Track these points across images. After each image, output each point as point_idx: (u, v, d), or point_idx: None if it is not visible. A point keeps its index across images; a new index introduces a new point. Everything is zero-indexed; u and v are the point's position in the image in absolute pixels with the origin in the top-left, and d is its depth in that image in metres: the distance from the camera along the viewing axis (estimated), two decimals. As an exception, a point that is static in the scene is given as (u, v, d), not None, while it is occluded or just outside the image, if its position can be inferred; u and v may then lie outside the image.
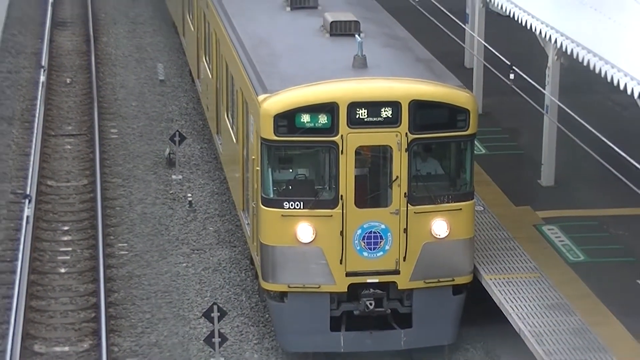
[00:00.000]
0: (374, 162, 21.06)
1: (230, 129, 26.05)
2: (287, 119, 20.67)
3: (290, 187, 21.24)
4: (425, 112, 20.77)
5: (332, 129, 20.63)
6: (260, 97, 21.14)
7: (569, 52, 22.42)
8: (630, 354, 19.52)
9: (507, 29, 29.64)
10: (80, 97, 37.16)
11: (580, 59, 21.75)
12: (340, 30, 23.47)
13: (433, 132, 20.95)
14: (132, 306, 23.99)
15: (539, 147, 26.59)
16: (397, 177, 20.78)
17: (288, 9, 26.14)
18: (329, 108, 20.59)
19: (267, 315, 22.87)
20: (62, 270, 25.73)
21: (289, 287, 21.11)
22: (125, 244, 26.84)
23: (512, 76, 22.42)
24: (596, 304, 21.26)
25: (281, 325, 21.56)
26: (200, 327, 22.74)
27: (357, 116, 20.59)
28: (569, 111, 20.86)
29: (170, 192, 29.68)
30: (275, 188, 21.15)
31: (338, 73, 21.32)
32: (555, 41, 23.10)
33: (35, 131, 32.46)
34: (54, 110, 35.77)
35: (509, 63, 22.59)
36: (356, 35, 22.43)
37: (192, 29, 34.61)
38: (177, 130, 31.84)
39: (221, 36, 27.27)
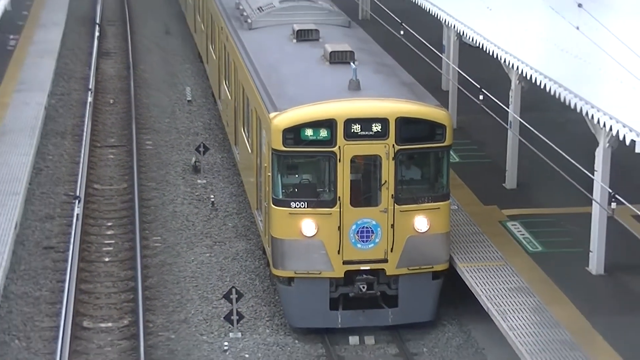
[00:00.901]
0: (366, 169, 21.09)
1: (246, 141, 26.04)
2: (293, 133, 20.75)
3: (296, 190, 21.32)
4: (409, 127, 20.84)
5: (331, 141, 20.68)
6: (272, 115, 21.21)
7: (528, 77, 22.43)
8: (579, 329, 19.60)
9: (477, 57, 29.63)
10: (121, 115, 37.20)
11: (538, 83, 21.76)
12: (338, 58, 23.42)
13: (415, 143, 21.02)
14: (164, 289, 24.03)
15: (503, 156, 26.59)
16: (386, 181, 20.83)
17: (294, 41, 26.04)
18: (329, 123, 20.65)
19: (276, 297, 22.88)
20: (106, 259, 25.78)
21: (295, 273, 21.23)
22: (159, 237, 26.86)
23: (481, 97, 22.43)
24: (551, 287, 21.33)
25: (288, 305, 21.65)
26: (221, 307, 22.75)
27: (352, 130, 20.65)
28: (528, 126, 20.88)
29: (196, 194, 29.69)
30: (283, 190, 21.22)
31: (336, 94, 21.36)
32: (517, 68, 23.11)
33: (83, 143, 32.50)
34: (99, 125, 35.82)
35: (478, 86, 22.61)
36: (351, 63, 22.41)
37: (214, 58, 34.63)
38: (202, 142, 31.91)
39: (239, 64, 27.27)
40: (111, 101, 38.88)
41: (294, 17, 27.79)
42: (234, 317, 21.91)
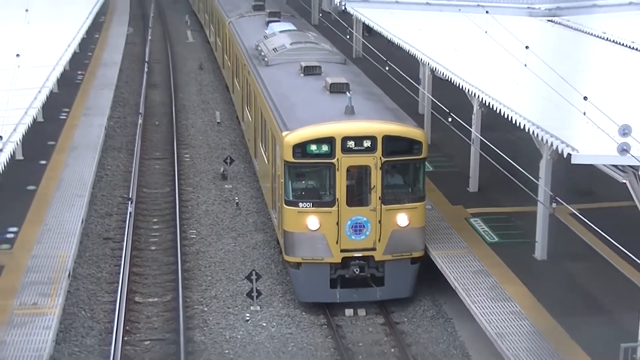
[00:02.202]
0: (359, 176, 21.04)
1: (264, 155, 26.02)
2: (301, 148, 20.78)
3: (303, 193, 21.29)
4: (393, 143, 20.84)
5: (331, 154, 20.68)
6: (284, 133, 21.30)
7: (487, 103, 22.44)
8: (527, 303, 19.68)
9: (446, 88, 29.62)
10: (165, 134, 37.23)
11: (494, 108, 21.77)
12: (337, 89, 23.33)
13: (398, 156, 20.99)
14: (198, 272, 24.04)
15: (467, 166, 26.59)
16: (374, 186, 20.87)
17: (302, 75, 25.96)
18: (329, 140, 20.68)
19: (287, 278, 22.85)
20: (153, 248, 25.81)
21: (302, 259, 21.22)
22: (195, 231, 26.86)
23: (450, 119, 22.49)
24: (505, 269, 21.38)
25: (297, 284, 21.74)
26: (243, 286, 22.76)
27: (348, 146, 20.66)
28: (487, 142, 20.95)
29: (224, 196, 29.68)
30: (293, 193, 21.21)
31: (335, 117, 21.42)
32: (478, 96, 23.09)
33: (135, 156, 32.59)
34: (147, 142, 35.86)
35: (447, 111, 22.66)
36: (347, 92, 22.46)
37: (239, 88, 34.62)
38: (229, 155, 31.96)
39: (258, 93, 27.27)
40: (157, 123, 38.90)
41: (302, 56, 27.73)
42: (254, 294, 21.98)
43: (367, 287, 21.46)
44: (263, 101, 25.76)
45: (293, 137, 20.99)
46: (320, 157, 20.82)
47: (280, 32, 31.74)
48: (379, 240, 21.16)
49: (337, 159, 20.70)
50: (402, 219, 21.20)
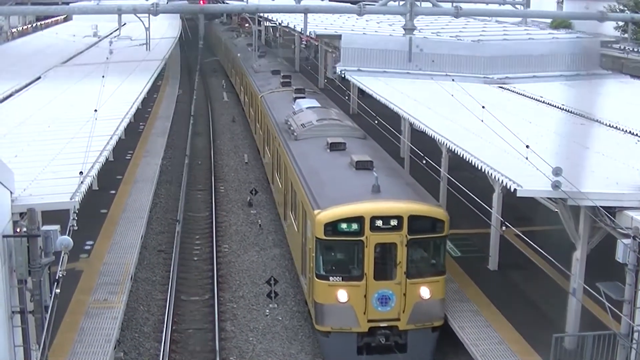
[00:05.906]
0: (385, 252, 17.87)
1: (294, 222, 22.35)
2: (332, 226, 17.68)
3: (334, 267, 18.09)
4: (417, 222, 17.81)
5: (360, 232, 17.58)
6: (316, 212, 18.14)
7: (452, 149, 22.56)
8: (481, 302, 19.74)
9: (421, 137, 29.79)
10: (205, 171, 37.43)
11: (458, 152, 21.91)
12: (362, 166, 20.18)
13: (422, 234, 17.92)
14: (230, 277, 24.11)
15: (437, 197, 26.24)
16: (400, 261, 17.81)
17: (328, 150, 22.63)
18: (359, 220, 17.60)
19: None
20: (195, 258, 25.93)
21: (332, 328, 18.06)
22: (227, 245, 26.96)
23: (424, 161, 22.56)
24: (465, 277, 21.44)
25: (326, 351, 18.52)
26: (264, 288, 22.80)
27: (376, 224, 17.59)
28: (452, 179, 21.09)
29: (250, 219, 29.75)
30: (324, 267, 18.04)
31: (363, 196, 18.26)
32: (445, 144, 23.20)
33: (182, 187, 32.81)
34: (192, 177, 36.07)
35: (422, 155, 22.78)
36: (372, 170, 19.41)
37: (269, 155, 32.07)
38: (254, 188, 32.15)
39: (288, 165, 24.02)
40: (199, 162, 39.13)
41: (327, 132, 24.43)
42: (272, 295, 22.00)
43: (392, 354, 17.96)
44: (293, 173, 22.41)
45: (324, 216, 17.74)
46: (350, 235, 17.55)
47: (307, 108, 28.49)
48: (403, 311, 17.90)
49: (366, 236, 17.51)
50: (424, 292, 17.98)
